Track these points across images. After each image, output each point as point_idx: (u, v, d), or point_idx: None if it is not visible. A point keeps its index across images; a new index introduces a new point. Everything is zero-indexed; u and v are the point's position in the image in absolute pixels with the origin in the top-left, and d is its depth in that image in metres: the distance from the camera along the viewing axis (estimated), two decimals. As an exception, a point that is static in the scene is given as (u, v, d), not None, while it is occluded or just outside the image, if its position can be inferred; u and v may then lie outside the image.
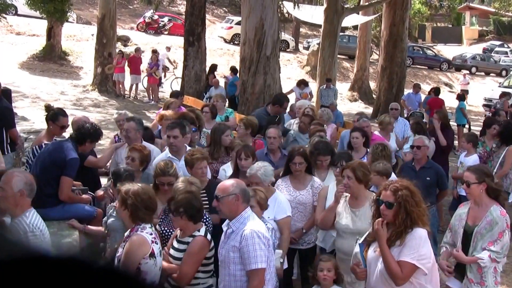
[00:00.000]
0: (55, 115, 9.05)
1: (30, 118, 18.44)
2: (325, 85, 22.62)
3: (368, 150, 10.06)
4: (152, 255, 5.44)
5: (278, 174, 8.19)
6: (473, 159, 11.47)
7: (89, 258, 1.25)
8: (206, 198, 7.19)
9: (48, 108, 9.53)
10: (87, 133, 8.23)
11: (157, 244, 5.61)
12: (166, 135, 8.67)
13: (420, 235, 5.21)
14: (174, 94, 14.18)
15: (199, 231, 5.98)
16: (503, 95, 24.35)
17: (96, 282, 1.17)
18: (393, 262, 5.17)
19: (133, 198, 5.64)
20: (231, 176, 7.96)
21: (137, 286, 1.31)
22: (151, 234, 5.62)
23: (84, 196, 8.36)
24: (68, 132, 10.19)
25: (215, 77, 24.66)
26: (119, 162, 8.61)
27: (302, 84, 22.17)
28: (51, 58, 33.09)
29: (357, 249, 5.77)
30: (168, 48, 34.03)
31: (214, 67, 25.64)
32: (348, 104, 34.39)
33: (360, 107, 34.07)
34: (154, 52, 29.29)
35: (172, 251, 6.09)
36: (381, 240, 5.31)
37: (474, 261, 6.46)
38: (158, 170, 7.14)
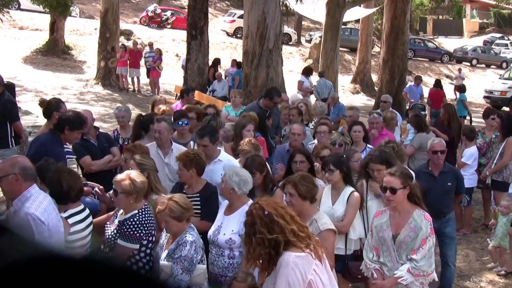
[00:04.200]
0: (57, 105, 8.98)
1: (34, 112, 18.54)
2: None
3: (368, 145, 10.06)
4: None
5: None
6: (470, 152, 11.65)
7: (103, 257, 1.30)
8: (198, 202, 6.93)
9: (43, 102, 9.47)
10: (66, 120, 7.98)
11: None
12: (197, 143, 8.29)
13: (286, 261, 4.58)
14: (185, 90, 14.13)
15: (65, 212, 5.83)
16: None
17: (110, 282, 1.18)
18: None
19: None
20: None
21: (151, 285, 1.32)
22: None
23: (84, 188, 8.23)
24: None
25: (216, 71, 24.71)
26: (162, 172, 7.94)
27: (310, 72, 22.00)
28: (54, 53, 33.21)
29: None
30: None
31: (217, 61, 25.67)
32: (350, 96, 34.49)
33: (362, 99, 34.21)
34: (151, 45, 29.36)
35: None
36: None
37: (395, 283, 5.95)
38: None
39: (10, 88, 11.92)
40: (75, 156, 8.76)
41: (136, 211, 5.98)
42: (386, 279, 6.06)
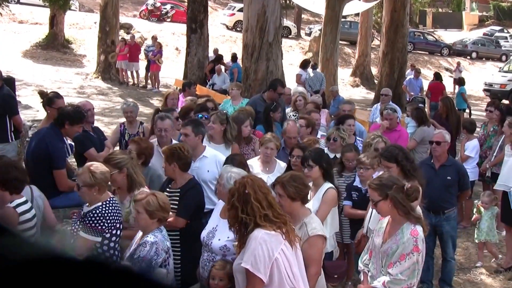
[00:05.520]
0: (50, 99, 8.92)
1: (34, 106, 18.54)
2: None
3: (357, 137, 10.09)
4: None
5: None
6: (472, 144, 11.69)
7: (105, 259, 1.31)
8: (178, 198, 6.74)
9: (42, 94, 9.39)
10: (66, 115, 7.92)
11: None
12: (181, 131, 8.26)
13: (255, 236, 4.65)
14: (186, 84, 14.06)
15: (11, 202, 5.82)
16: None
17: (113, 283, 1.19)
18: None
19: None
20: None
21: (152, 286, 1.31)
22: None
23: None
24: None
25: (215, 65, 24.53)
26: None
27: (308, 65, 21.81)
28: (54, 46, 33.18)
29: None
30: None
31: (219, 57, 25.48)
32: (350, 89, 34.50)
33: (362, 92, 34.23)
34: (155, 39, 29.29)
35: None
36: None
37: None
38: None
39: (10, 82, 11.89)
40: (71, 153, 8.71)
41: (99, 203, 5.91)
42: (365, 286, 5.95)
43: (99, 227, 5.78)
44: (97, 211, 5.83)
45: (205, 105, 10.17)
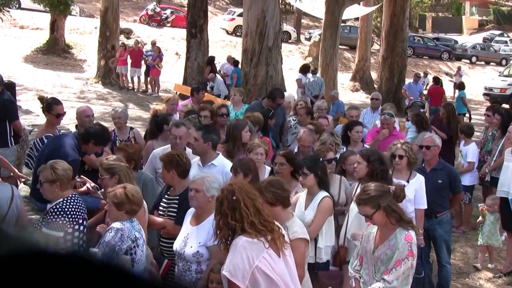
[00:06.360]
0: (48, 105, 8.96)
1: (34, 111, 18.56)
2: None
3: (365, 145, 10.02)
4: None
5: None
6: (472, 150, 11.70)
7: (87, 254, 1.32)
8: (176, 205, 6.68)
9: (41, 99, 9.36)
10: (93, 134, 7.91)
11: None
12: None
13: (235, 244, 4.71)
14: (195, 89, 13.97)
15: None
16: None
17: (94, 278, 1.18)
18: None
19: None
20: None
21: (134, 281, 1.30)
22: None
23: (82, 189, 7.82)
24: (71, 121, 10.17)
25: (212, 69, 24.54)
26: (158, 168, 7.81)
27: (307, 69, 21.72)
28: (55, 51, 33.19)
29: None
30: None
31: (211, 60, 25.45)
32: (349, 94, 34.48)
33: (361, 97, 34.19)
34: (154, 44, 29.31)
35: None
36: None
37: None
38: None
39: (10, 87, 11.89)
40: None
41: (61, 199, 5.96)
42: None
43: (60, 222, 5.80)
44: (57, 206, 5.89)
45: (195, 110, 10.17)
